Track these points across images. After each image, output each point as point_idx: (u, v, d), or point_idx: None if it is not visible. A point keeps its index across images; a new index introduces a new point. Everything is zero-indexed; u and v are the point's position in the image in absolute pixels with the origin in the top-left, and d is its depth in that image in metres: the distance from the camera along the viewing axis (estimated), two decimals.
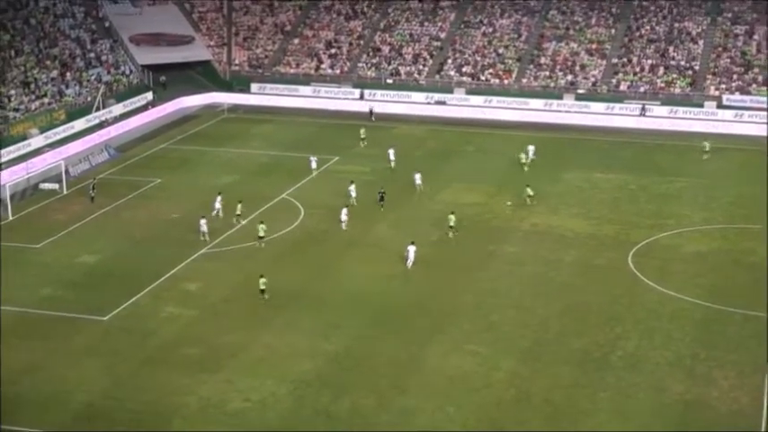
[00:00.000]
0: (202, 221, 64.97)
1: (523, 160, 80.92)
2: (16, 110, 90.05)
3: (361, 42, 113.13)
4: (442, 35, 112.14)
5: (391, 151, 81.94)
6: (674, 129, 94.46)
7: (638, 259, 61.83)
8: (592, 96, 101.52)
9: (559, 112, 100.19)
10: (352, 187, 71.03)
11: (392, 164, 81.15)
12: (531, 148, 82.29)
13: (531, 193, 71.10)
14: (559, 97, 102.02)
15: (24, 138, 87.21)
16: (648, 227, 67.64)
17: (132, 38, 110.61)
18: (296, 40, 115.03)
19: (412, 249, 60.22)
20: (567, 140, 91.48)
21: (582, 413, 44.37)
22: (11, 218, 70.07)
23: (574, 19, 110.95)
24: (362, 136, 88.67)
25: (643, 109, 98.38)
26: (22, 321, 53.94)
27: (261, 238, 64.11)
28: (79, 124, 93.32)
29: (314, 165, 79.13)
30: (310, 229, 67.82)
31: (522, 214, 69.87)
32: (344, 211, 66.92)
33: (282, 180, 77.36)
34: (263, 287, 55.75)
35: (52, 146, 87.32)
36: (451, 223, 65.33)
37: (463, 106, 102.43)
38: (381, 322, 53.51)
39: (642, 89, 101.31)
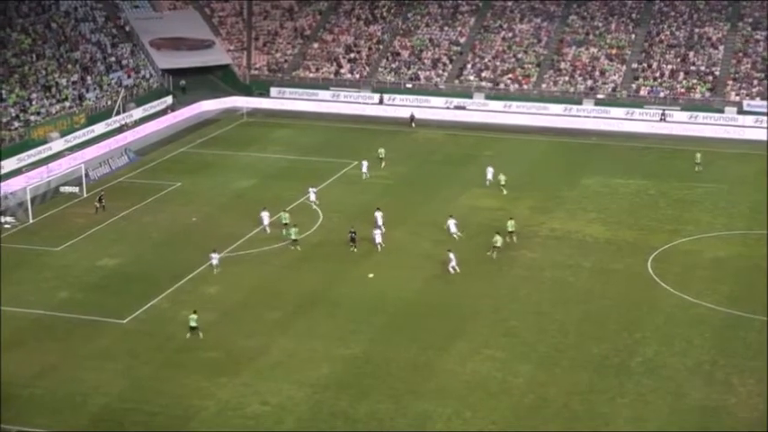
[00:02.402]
0: (213, 255, 61.22)
1: (498, 180, 75.90)
2: (37, 113, 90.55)
3: (381, 47, 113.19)
4: (462, 40, 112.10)
5: (365, 163, 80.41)
6: (693, 134, 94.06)
7: (658, 265, 61.64)
8: (611, 102, 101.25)
9: (579, 117, 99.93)
10: (379, 214, 67.55)
11: (365, 175, 79.69)
12: (490, 170, 77.72)
13: (512, 229, 65.01)
14: (579, 102, 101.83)
15: (45, 141, 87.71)
16: (668, 232, 67.43)
17: (152, 42, 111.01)
18: (315, 45, 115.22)
19: (452, 256, 60.26)
20: (585, 146, 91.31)
21: (600, 419, 44.28)
22: (31, 221, 70.41)
23: (594, 24, 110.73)
24: (381, 156, 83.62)
25: (663, 114, 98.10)
26: (41, 324, 54.23)
27: (295, 241, 64.11)
28: (99, 128, 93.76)
29: (313, 197, 73.82)
30: (329, 233, 67.82)
31: (540, 219, 69.76)
32: (378, 232, 65.03)
33: (301, 184, 77.26)
34: (193, 324, 52.06)
35: (72, 149, 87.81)
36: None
37: (482, 111, 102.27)
38: (399, 327, 53.53)
39: (662, 94, 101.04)
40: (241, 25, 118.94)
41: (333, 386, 47.10)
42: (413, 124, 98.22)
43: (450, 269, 60.11)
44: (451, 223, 66.44)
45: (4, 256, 63.73)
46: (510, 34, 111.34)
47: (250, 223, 68.21)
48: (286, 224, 66.58)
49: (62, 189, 76.90)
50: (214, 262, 60.94)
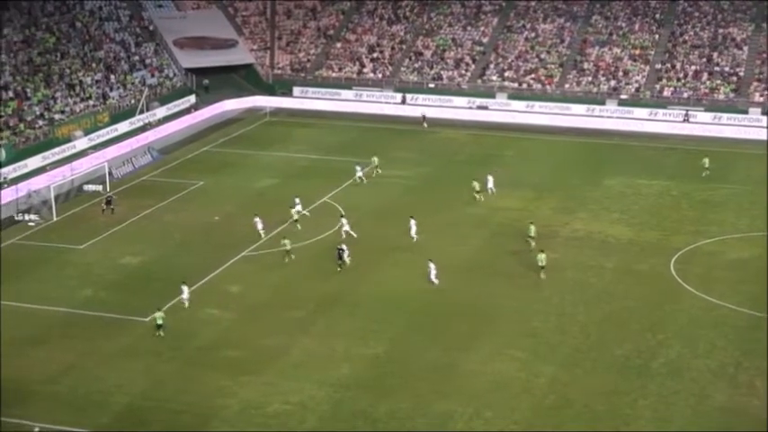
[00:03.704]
0: (184, 288, 56.16)
1: (477, 189, 73.69)
2: (61, 112, 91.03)
3: (404, 46, 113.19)
4: (485, 40, 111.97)
5: (358, 168, 78.79)
6: (717, 135, 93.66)
7: (681, 266, 61.37)
8: (635, 102, 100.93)
9: (602, 117, 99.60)
10: (344, 220, 66.27)
11: (363, 180, 78.49)
12: (490, 179, 75.72)
13: (533, 235, 64.16)
14: (602, 103, 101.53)
15: (69, 140, 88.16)
16: (691, 233, 67.14)
17: (176, 41, 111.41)
18: (338, 45, 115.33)
19: (432, 266, 58.89)
20: (608, 146, 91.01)
21: (622, 420, 44.12)
22: (55, 219, 70.77)
23: (617, 24, 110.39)
24: (375, 164, 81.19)
25: (686, 115, 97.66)
26: (63, 322, 54.50)
27: (288, 252, 62.63)
28: (123, 127, 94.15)
29: (298, 207, 69.67)
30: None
31: (563, 219, 69.60)
32: (344, 246, 62.44)
33: (323, 183, 77.44)
34: (159, 322, 51.95)
35: (96, 148, 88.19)
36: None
37: (505, 111, 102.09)
38: (420, 326, 53.51)
39: (686, 95, 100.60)
40: (264, 25, 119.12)
41: (354, 386, 47.14)
42: (425, 124, 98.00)
43: (432, 279, 58.69)
44: (412, 224, 65.44)
45: (28, 254, 64.25)
46: (533, 34, 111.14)
47: (272, 222, 68.21)
48: (296, 220, 66.84)
49: (86, 187, 77.28)
50: (184, 296, 55.95)
